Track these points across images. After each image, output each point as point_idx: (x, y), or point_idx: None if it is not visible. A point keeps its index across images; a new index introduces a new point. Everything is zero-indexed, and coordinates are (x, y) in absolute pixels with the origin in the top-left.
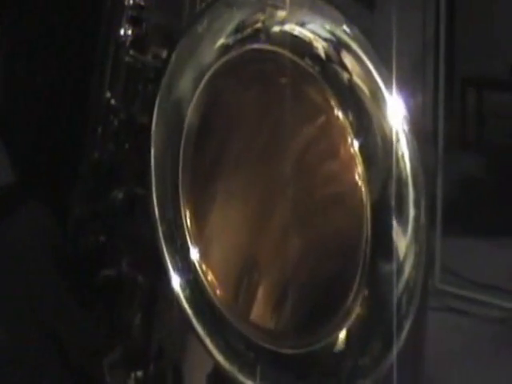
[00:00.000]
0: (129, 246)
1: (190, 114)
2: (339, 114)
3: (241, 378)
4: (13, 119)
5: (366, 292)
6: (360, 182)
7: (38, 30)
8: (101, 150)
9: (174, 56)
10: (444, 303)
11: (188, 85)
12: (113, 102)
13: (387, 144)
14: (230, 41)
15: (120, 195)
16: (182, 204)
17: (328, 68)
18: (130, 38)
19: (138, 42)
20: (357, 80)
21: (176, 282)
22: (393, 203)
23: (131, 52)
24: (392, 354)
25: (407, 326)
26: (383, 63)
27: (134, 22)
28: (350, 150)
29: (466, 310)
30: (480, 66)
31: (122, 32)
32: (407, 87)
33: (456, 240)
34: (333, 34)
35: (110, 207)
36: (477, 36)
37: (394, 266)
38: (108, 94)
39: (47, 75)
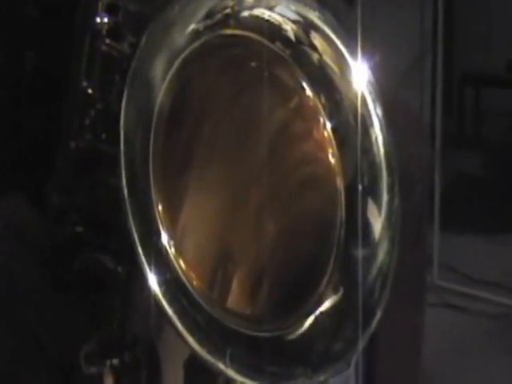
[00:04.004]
0: (107, 236)
1: (161, 99)
2: (311, 95)
3: (211, 359)
4: None
5: (339, 276)
6: (334, 164)
7: (13, 17)
8: (78, 139)
9: (144, 39)
10: (442, 299)
11: (159, 69)
12: (90, 91)
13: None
14: (201, 26)
15: (98, 184)
16: (153, 194)
17: (298, 50)
18: (106, 27)
19: (114, 31)
20: (327, 59)
21: (153, 280)
22: (366, 184)
23: (107, 41)
24: (364, 338)
25: (379, 311)
26: (353, 42)
27: (111, 10)
28: (323, 132)
29: (464, 306)
30: (478, 62)
31: (98, 20)
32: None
33: (454, 236)
34: (300, 15)
35: (87, 197)
36: (475, 32)
37: (360, 242)
38: (84, 83)
39: (23, 64)
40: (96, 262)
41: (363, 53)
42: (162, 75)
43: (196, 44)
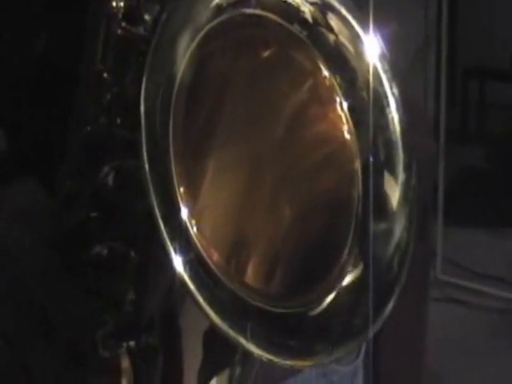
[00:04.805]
0: (120, 221)
1: (181, 75)
2: (327, 75)
3: (232, 333)
4: (3, 92)
5: (358, 250)
6: (350, 143)
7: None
8: (93, 123)
9: (166, 15)
10: (445, 294)
11: (182, 44)
12: (105, 75)
13: (375, 102)
14: (224, 1)
15: (112, 169)
16: (174, 173)
17: (315, 31)
18: (122, 10)
19: (130, 14)
20: (343, 40)
21: (175, 256)
22: (382, 160)
23: (123, 24)
24: (383, 314)
25: (398, 288)
26: (367, 21)
27: None
28: (339, 111)
29: (467, 300)
30: (482, 56)
31: (114, 4)
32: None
33: (457, 231)
34: None
35: (101, 182)
36: (479, 26)
37: (371, 211)
38: (100, 67)
39: (37, 48)
40: (108, 246)
41: (377, 32)
42: (184, 50)
43: (218, 20)
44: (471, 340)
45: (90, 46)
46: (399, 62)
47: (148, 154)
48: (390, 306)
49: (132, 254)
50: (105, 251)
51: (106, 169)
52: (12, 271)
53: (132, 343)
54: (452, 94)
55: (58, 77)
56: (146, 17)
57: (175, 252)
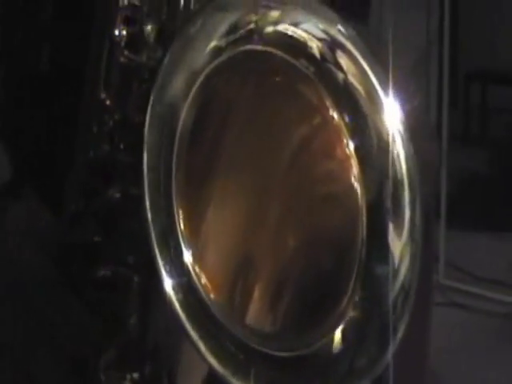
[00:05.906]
0: (124, 246)
1: (185, 115)
2: (334, 114)
3: (235, 381)
4: (9, 117)
5: (360, 293)
6: (355, 183)
7: (31, 27)
8: (96, 149)
9: (167, 58)
10: (448, 298)
11: (181, 87)
12: (108, 102)
13: (383, 144)
14: (223, 43)
15: (115, 194)
16: (175, 206)
17: (323, 68)
18: (124, 39)
19: (132, 43)
20: (352, 80)
21: (168, 284)
22: (389, 204)
23: (126, 52)
24: (388, 353)
25: (403, 326)
26: (380, 63)
27: (129, 23)
28: (345, 151)
29: (469, 304)
30: (483, 60)
31: (116, 32)
32: (405, 87)
33: (460, 235)
34: (327, 33)
35: (105, 206)
36: (480, 31)
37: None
38: (103, 95)
39: (41, 74)
40: (114, 271)
41: (395, 82)
42: (183, 92)
43: (218, 61)
44: (474, 344)
45: (92, 74)
46: (401, 65)
47: (149, 186)
48: (395, 345)
49: (135, 278)
50: (108, 275)
51: (109, 193)
52: (14, 289)
53: (136, 374)
54: (454, 98)
55: (62, 102)
56: (149, 45)
57: (169, 279)
